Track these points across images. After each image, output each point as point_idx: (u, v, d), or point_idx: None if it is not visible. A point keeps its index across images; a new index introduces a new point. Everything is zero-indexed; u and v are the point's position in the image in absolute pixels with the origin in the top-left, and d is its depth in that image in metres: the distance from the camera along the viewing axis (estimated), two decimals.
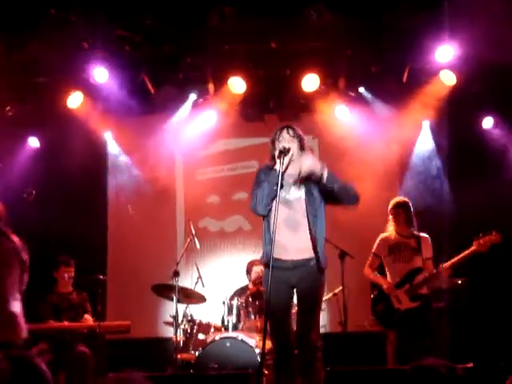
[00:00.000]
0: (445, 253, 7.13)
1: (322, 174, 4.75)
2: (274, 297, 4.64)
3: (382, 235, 7.13)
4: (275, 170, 4.83)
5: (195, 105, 9.58)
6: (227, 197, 10.08)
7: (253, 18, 7.91)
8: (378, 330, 7.38)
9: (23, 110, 9.01)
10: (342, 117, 9.39)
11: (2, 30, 7.72)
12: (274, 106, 9.59)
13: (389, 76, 8.97)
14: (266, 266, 4.94)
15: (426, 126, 9.43)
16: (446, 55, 8.24)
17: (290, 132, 4.98)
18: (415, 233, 7.01)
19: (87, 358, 7.12)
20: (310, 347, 4.86)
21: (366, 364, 7.31)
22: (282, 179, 4.73)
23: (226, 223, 10.06)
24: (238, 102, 9.38)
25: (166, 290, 7.36)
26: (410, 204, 7.08)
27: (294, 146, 4.90)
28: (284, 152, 4.76)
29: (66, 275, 7.66)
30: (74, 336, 7.32)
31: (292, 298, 5.09)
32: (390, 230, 7.11)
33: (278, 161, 4.76)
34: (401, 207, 7.04)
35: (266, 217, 4.91)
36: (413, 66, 8.73)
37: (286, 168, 4.80)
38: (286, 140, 4.93)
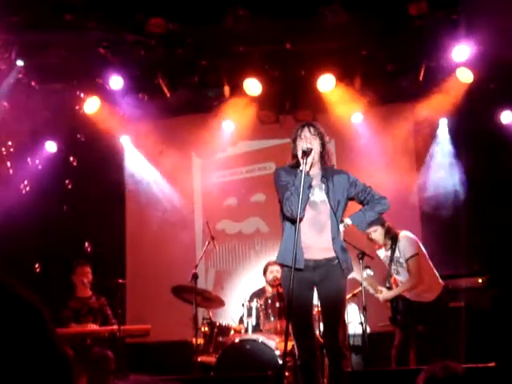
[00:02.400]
0: (461, 256, 7.08)
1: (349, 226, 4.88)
2: (295, 297, 4.64)
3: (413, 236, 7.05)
4: (297, 169, 4.83)
5: (211, 107, 9.59)
6: (245, 199, 10.08)
7: (267, 19, 7.90)
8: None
9: (40, 115, 9.05)
10: (359, 120, 9.37)
11: (20, 36, 7.76)
12: (289, 107, 9.57)
13: (405, 75, 8.93)
14: (283, 266, 4.95)
15: (444, 124, 9.36)
16: (462, 53, 8.19)
17: (312, 130, 4.96)
18: None
19: (108, 360, 7.14)
20: (337, 347, 4.85)
21: (385, 365, 7.30)
22: (309, 180, 4.75)
23: (243, 225, 10.06)
24: (254, 103, 9.38)
25: (185, 293, 7.36)
26: None
27: (315, 145, 4.89)
28: (307, 152, 4.76)
29: (84, 279, 7.69)
30: (94, 340, 7.35)
31: (313, 298, 5.08)
32: None
33: (301, 161, 4.75)
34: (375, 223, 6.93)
35: (288, 220, 4.91)
36: (429, 65, 8.68)
37: (310, 168, 4.80)
38: (308, 138, 4.91)
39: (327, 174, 5.01)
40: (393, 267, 6.96)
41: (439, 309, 6.85)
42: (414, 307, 6.86)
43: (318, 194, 4.93)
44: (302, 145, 4.86)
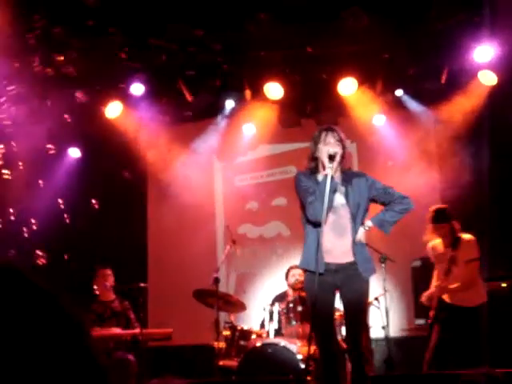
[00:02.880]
0: (484, 259, 7.01)
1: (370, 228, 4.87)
2: (318, 301, 4.64)
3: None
4: (317, 174, 4.86)
5: (232, 111, 9.61)
6: (266, 203, 10.08)
7: (289, 23, 7.90)
8: (420, 335, 7.29)
9: (63, 120, 9.12)
10: (380, 122, 9.33)
11: (42, 42, 7.83)
12: (311, 110, 9.56)
13: (427, 78, 8.88)
14: (306, 270, 4.95)
15: (466, 127, 9.29)
16: (485, 55, 8.14)
17: (335, 135, 4.97)
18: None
19: (131, 364, 7.17)
20: (359, 351, 4.84)
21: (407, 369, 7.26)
22: (334, 185, 4.77)
23: (265, 229, 10.05)
24: (275, 107, 9.38)
25: (206, 297, 7.37)
26: (449, 210, 6.97)
27: (339, 150, 4.90)
28: (334, 157, 4.77)
29: (106, 283, 7.73)
30: (117, 343, 7.39)
31: (335, 302, 5.08)
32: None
33: (327, 165, 4.76)
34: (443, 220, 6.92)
35: (313, 223, 4.91)
36: (451, 67, 8.63)
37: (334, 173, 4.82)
38: (332, 144, 4.91)
39: (347, 177, 5.02)
40: (443, 265, 6.90)
41: (481, 315, 6.80)
42: (456, 311, 6.79)
43: (339, 198, 4.93)
44: (328, 149, 4.85)
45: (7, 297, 0.79)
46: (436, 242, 7.03)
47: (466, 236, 6.85)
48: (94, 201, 9.26)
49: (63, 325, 0.81)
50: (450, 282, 6.76)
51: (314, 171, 5.02)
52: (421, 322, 7.19)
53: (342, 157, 4.94)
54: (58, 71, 8.34)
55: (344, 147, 5.00)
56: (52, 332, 0.79)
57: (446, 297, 6.82)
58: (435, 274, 7.16)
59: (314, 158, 5.00)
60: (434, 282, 7.11)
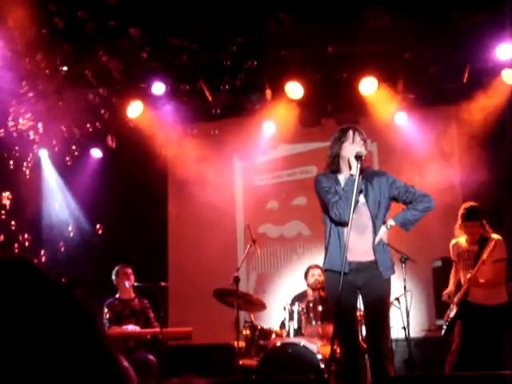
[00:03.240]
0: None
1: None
2: (342, 301, 4.64)
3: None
4: (337, 174, 4.88)
5: (253, 111, 9.60)
6: (286, 202, 10.07)
7: (309, 22, 7.89)
8: (440, 336, 7.24)
9: (84, 120, 9.17)
10: (401, 121, 9.28)
11: (65, 43, 7.88)
12: (331, 110, 9.53)
13: (448, 77, 8.82)
14: (327, 270, 4.95)
15: (488, 126, 9.22)
16: (507, 54, 8.07)
17: (361, 136, 4.98)
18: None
19: (151, 363, 7.20)
20: (380, 351, 4.83)
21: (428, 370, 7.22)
22: (361, 185, 4.77)
23: (285, 229, 10.05)
24: (296, 106, 9.37)
25: (227, 296, 7.38)
26: (481, 208, 6.94)
27: (364, 150, 4.90)
28: (360, 156, 4.77)
29: (126, 281, 7.75)
30: (137, 342, 7.41)
31: (357, 301, 5.06)
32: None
33: (354, 165, 4.77)
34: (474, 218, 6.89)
35: (336, 222, 4.92)
36: (473, 66, 8.56)
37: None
38: (359, 143, 4.91)
39: (367, 176, 5.01)
40: (469, 262, 6.87)
41: (502, 315, 6.76)
42: (480, 312, 6.75)
43: (361, 198, 4.94)
44: (355, 148, 4.85)
45: (20, 289, 0.79)
46: (459, 240, 7.00)
47: (495, 236, 6.82)
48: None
49: (75, 318, 0.81)
50: (468, 280, 6.75)
51: (334, 171, 5.02)
52: (442, 322, 7.14)
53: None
54: (79, 70, 8.40)
55: (366, 148, 5.02)
56: (64, 325, 0.79)
57: (467, 296, 6.79)
58: (453, 272, 7.13)
59: (335, 157, 5.00)
60: (452, 280, 7.08)
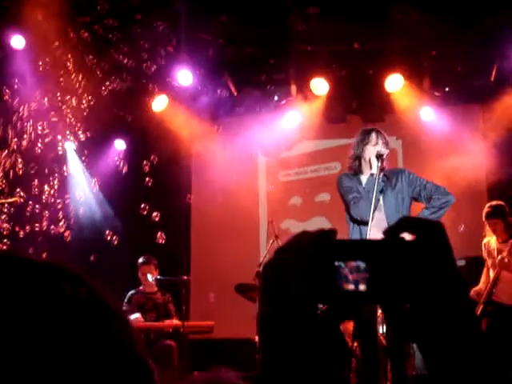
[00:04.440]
0: None
1: None
2: None
3: None
4: (360, 175, 4.89)
5: (278, 106, 9.60)
6: (310, 198, 10.06)
7: (336, 18, 7.86)
8: None
9: (110, 113, 9.22)
10: (427, 118, 9.22)
11: (90, 37, 7.93)
12: (357, 106, 9.50)
13: (476, 75, 8.75)
14: None
15: None
16: None
17: (383, 138, 5.02)
18: None
19: (173, 351, 7.25)
20: (401, 350, 4.83)
21: None
22: (382, 185, 4.78)
23: (308, 225, 10.02)
24: (321, 103, 9.34)
25: (248, 291, 7.40)
26: (506, 207, 6.89)
27: (385, 150, 4.94)
28: (381, 156, 4.80)
29: (148, 275, 7.79)
30: (158, 335, 7.46)
31: None
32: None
33: (375, 164, 4.80)
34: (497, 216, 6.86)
35: (354, 222, 4.94)
36: (501, 65, 8.48)
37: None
38: (379, 144, 4.96)
39: (388, 174, 5.04)
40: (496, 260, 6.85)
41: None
42: (506, 312, 6.71)
43: (380, 196, 4.94)
44: (378, 149, 4.89)
45: (58, 295, 0.80)
46: (490, 238, 6.98)
47: None
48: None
49: (110, 324, 0.82)
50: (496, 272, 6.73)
51: (356, 171, 5.06)
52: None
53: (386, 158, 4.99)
54: (106, 63, 8.44)
55: (388, 148, 5.06)
56: (99, 331, 0.80)
57: (493, 295, 6.76)
58: (484, 270, 7.09)
59: (357, 158, 5.04)
60: (483, 278, 7.05)
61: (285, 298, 0.83)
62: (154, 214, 9.07)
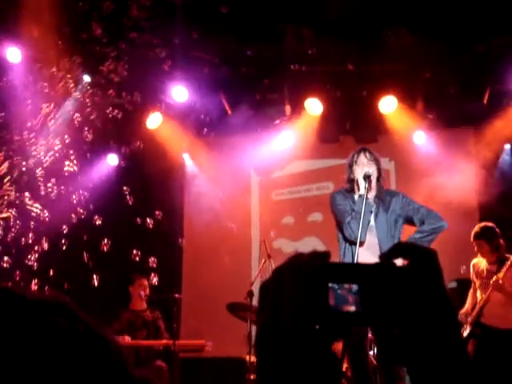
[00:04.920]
0: None
1: None
2: None
3: None
4: (353, 194, 4.87)
5: (272, 126, 9.63)
6: (302, 218, 10.06)
7: (330, 39, 7.92)
8: None
9: (104, 129, 9.21)
10: (420, 140, 9.28)
11: (84, 54, 7.95)
12: (350, 127, 9.55)
13: (469, 98, 8.82)
14: None
15: (508, 149, 9.19)
16: None
17: (368, 155, 4.99)
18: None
19: (164, 372, 7.21)
20: (391, 373, 4.81)
21: None
22: (370, 206, 4.77)
23: (300, 244, 10.02)
24: (315, 122, 9.38)
25: (240, 310, 7.38)
26: (494, 229, 6.90)
27: (373, 170, 4.91)
28: (369, 177, 4.78)
29: (141, 292, 7.77)
30: (148, 353, 7.42)
31: None
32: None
33: (362, 185, 4.78)
34: (482, 237, 6.89)
35: (347, 242, 4.92)
36: (494, 88, 8.55)
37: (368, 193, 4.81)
38: (365, 164, 4.93)
39: (382, 196, 5.02)
40: (486, 281, 6.84)
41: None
42: (494, 335, 6.70)
43: (374, 218, 4.94)
44: (362, 169, 4.88)
45: (56, 331, 0.81)
46: (479, 259, 7.00)
47: None
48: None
49: (107, 358, 0.83)
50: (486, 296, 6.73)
51: (350, 191, 5.05)
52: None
53: (380, 178, 4.94)
54: (101, 80, 8.46)
55: (380, 168, 5.01)
56: (97, 366, 0.81)
57: (482, 317, 6.76)
58: (471, 292, 7.10)
59: (351, 180, 5.04)
60: (470, 299, 7.05)
61: (280, 317, 0.87)
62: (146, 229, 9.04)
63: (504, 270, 6.69)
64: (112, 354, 0.82)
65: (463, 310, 7.00)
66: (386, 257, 0.90)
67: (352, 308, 0.86)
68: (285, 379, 0.85)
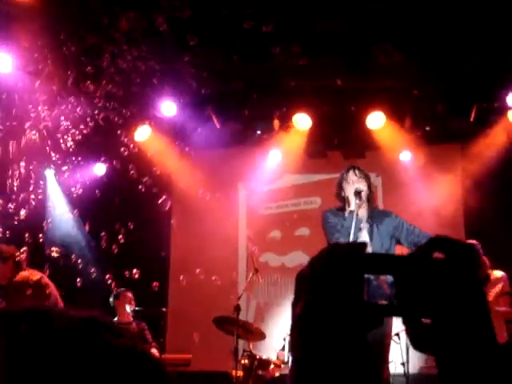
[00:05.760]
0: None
1: None
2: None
3: None
4: (344, 212, 4.88)
5: (260, 140, 9.66)
6: (289, 232, 10.08)
7: (319, 55, 7.96)
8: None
9: (92, 141, 9.19)
10: (407, 157, 9.33)
11: (73, 65, 7.95)
12: (338, 142, 9.59)
13: (456, 115, 8.90)
14: None
15: (494, 165, 9.24)
16: None
17: (357, 172, 5.01)
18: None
19: None
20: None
21: None
22: (359, 222, 4.77)
23: (287, 258, 10.04)
24: (303, 137, 9.42)
25: (226, 324, 7.36)
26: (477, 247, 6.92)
27: (363, 186, 4.92)
28: (359, 193, 4.79)
29: (127, 305, 7.76)
30: None
31: None
32: None
33: (353, 202, 4.78)
34: None
35: None
36: (480, 106, 8.63)
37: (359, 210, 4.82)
38: (355, 181, 4.95)
39: (373, 215, 5.03)
40: None
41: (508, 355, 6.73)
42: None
43: (365, 236, 4.94)
44: (352, 186, 4.89)
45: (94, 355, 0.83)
46: None
47: (498, 272, 6.82)
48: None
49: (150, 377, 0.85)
50: None
51: (341, 209, 5.06)
52: None
53: (370, 195, 4.95)
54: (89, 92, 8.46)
55: (370, 184, 5.02)
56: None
57: None
58: None
59: (342, 199, 5.06)
60: None
61: (316, 308, 0.88)
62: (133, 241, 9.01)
63: (490, 289, 6.71)
64: (155, 367, 0.84)
65: None
66: (423, 250, 0.91)
67: (384, 301, 0.88)
68: (322, 369, 0.86)
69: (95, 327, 0.84)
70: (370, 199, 4.99)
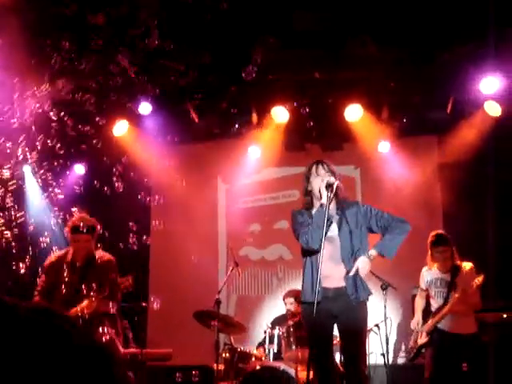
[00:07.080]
0: (490, 280, 6.99)
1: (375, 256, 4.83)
2: (317, 330, 4.65)
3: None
4: (312, 210, 4.91)
5: (238, 134, 9.66)
6: (268, 225, 10.09)
7: (296, 48, 7.98)
8: (419, 363, 7.27)
9: (70, 137, 9.14)
10: (384, 148, 9.38)
11: (50, 61, 7.89)
12: (316, 135, 9.61)
13: (433, 107, 8.95)
14: (303, 303, 4.96)
15: (471, 157, 9.31)
16: (490, 86, 8.20)
17: (325, 167, 5.02)
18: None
19: (130, 382, 7.16)
20: (358, 378, 4.84)
21: None
22: (329, 215, 4.78)
23: (266, 252, 10.06)
24: (281, 131, 9.43)
25: (207, 318, 7.36)
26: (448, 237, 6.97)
27: (334, 180, 4.92)
28: (331, 185, 4.79)
29: None
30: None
31: (333, 329, 5.07)
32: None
33: (324, 194, 4.78)
34: (447, 243, 6.91)
35: (310, 254, 4.94)
36: (457, 97, 8.69)
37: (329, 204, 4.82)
38: (323, 175, 4.95)
39: (342, 207, 5.03)
40: (441, 290, 6.88)
41: (480, 343, 6.80)
42: (453, 340, 6.75)
43: (335, 229, 4.96)
44: (321, 179, 4.88)
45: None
46: (428, 269, 7.03)
47: (467, 264, 6.86)
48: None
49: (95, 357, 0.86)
50: (449, 308, 6.76)
51: (308, 207, 5.06)
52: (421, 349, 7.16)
53: (338, 189, 4.94)
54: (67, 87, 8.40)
55: (336, 177, 5.02)
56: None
57: (438, 323, 6.81)
58: (417, 300, 7.16)
59: (308, 193, 5.05)
60: (420, 307, 7.10)
61: None
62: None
63: (460, 279, 6.76)
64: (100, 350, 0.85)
65: (415, 320, 7.04)
66: None
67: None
68: None
69: (47, 315, 0.85)
70: (338, 193, 4.98)
